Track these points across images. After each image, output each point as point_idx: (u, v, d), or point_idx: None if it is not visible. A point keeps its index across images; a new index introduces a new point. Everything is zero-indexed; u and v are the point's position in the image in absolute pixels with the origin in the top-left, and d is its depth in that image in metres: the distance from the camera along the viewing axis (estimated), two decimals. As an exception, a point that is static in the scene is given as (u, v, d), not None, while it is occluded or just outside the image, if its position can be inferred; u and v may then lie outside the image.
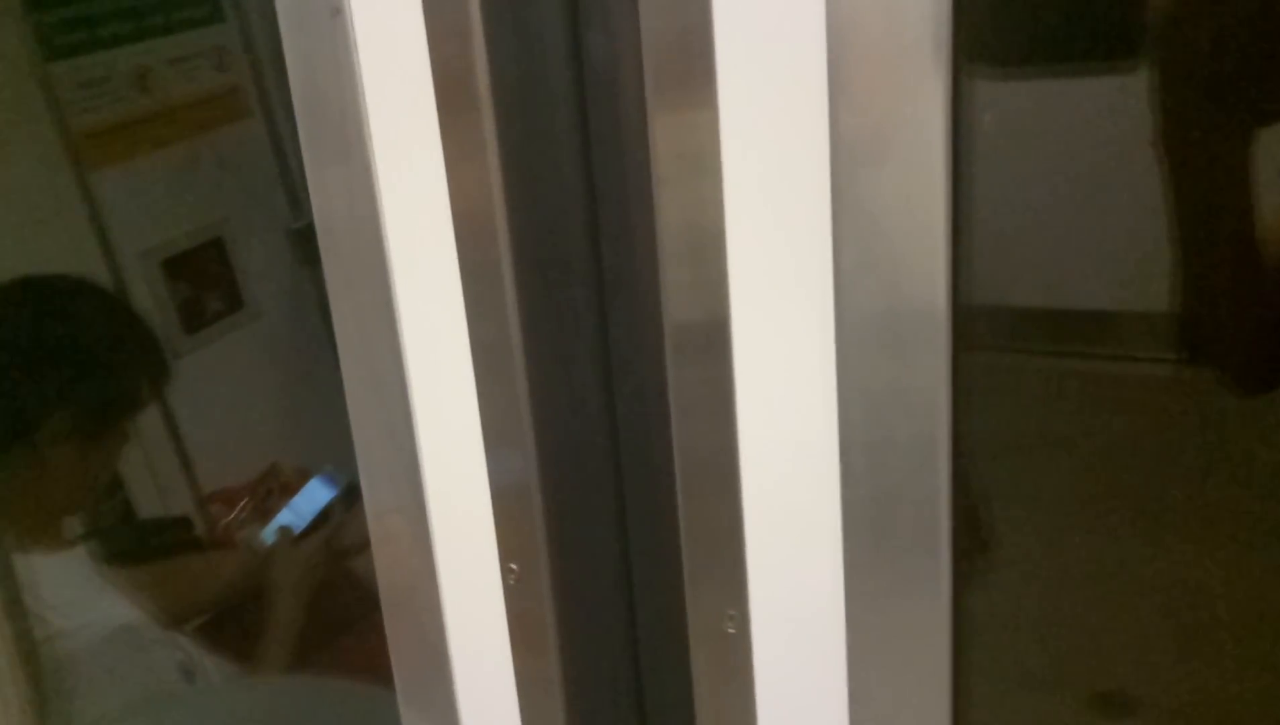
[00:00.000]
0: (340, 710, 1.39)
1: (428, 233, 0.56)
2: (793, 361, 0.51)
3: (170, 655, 1.52)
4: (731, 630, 0.53)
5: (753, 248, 0.50)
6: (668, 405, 0.52)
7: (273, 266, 2.19)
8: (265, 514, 1.96)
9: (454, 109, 0.52)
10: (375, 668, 0.72)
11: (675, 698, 0.56)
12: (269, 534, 1.80)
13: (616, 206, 0.52)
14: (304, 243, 1.95)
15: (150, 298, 2.05)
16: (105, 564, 1.50)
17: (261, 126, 2.26)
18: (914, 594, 0.49)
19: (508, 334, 0.56)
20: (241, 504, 2.06)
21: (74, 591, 1.39)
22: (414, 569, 0.62)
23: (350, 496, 1.76)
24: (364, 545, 0.69)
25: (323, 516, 1.75)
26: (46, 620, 1.33)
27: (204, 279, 2.19)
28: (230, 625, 1.67)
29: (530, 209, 0.53)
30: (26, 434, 1.35)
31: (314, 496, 1.78)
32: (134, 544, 1.90)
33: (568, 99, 0.51)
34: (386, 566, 0.65)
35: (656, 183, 0.49)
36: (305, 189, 0.61)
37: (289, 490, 1.96)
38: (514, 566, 0.57)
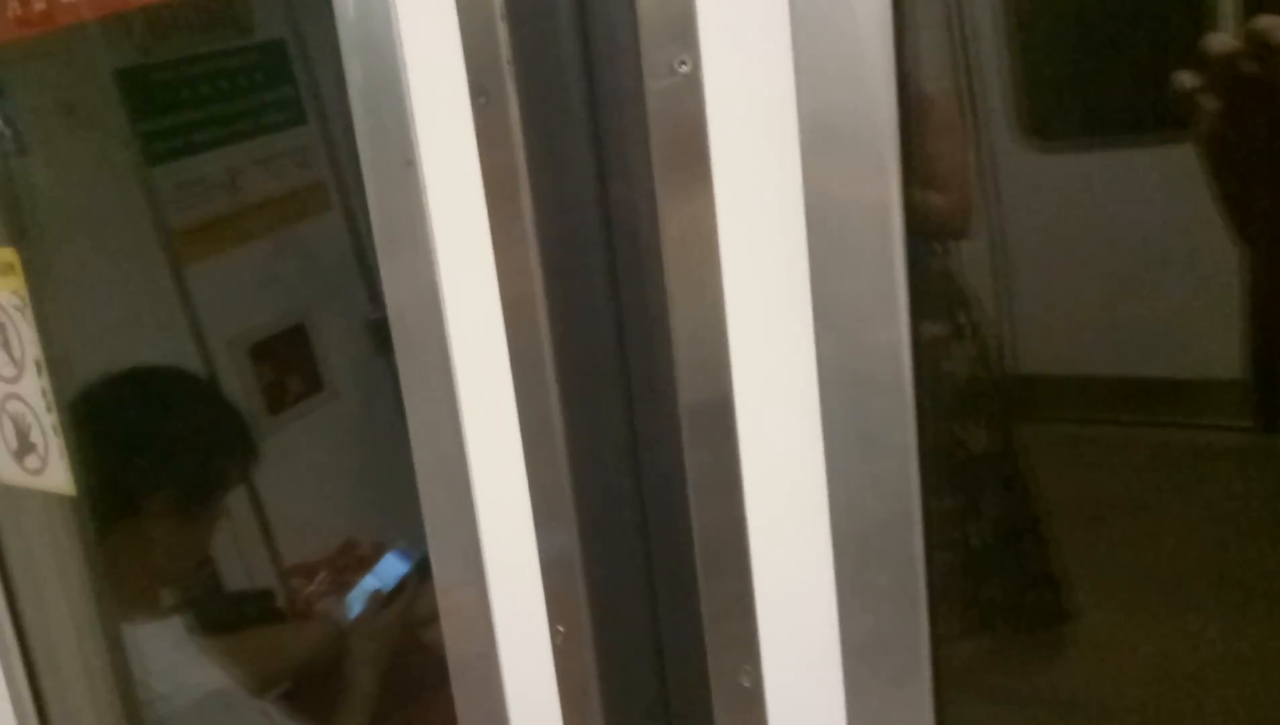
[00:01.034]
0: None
1: (483, 326, 0.66)
2: (788, 441, 0.59)
3: (258, 721, 1.60)
4: (747, 684, 0.62)
5: (750, 332, 0.59)
6: (686, 483, 0.61)
7: (351, 353, 2.31)
8: (342, 588, 2.03)
9: (502, 214, 0.62)
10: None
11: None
12: (356, 599, 1.86)
13: (635, 292, 0.62)
14: (380, 332, 2.06)
15: (237, 381, 2.18)
16: (196, 633, 1.60)
17: (340, 220, 2.39)
18: (898, 646, 0.57)
19: (550, 418, 0.65)
20: (319, 577, 2.16)
21: (171, 658, 1.49)
22: (476, 633, 0.71)
23: (422, 570, 1.82)
24: (434, 617, 0.77)
25: (398, 590, 1.83)
26: (148, 685, 1.43)
27: (287, 364, 2.32)
28: (311, 694, 1.74)
29: (564, 299, 0.63)
30: (132, 511, 1.47)
31: (391, 569, 1.87)
32: (222, 614, 2.01)
33: (592, 200, 0.61)
34: (453, 632, 0.74)
35: (667, 265, 0.59)
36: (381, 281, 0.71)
37: (365, 564, 2.03)
38: (561, 628, 0.66)
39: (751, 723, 0.63)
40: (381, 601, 1.82)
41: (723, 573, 0.62)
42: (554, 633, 0.67)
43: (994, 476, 1.58)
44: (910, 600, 0.57)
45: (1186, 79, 0.74)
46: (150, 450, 1.50)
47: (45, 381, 1.04)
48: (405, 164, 0.62)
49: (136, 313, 2.00)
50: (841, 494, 0.57)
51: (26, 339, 1.03)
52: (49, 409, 1.04)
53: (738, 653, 0.62)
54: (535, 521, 0.68)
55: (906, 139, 0.55)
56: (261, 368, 2.28)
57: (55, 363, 1.28)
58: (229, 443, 1.57)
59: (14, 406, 1.07)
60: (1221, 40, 0.75)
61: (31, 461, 1.08)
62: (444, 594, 0.73)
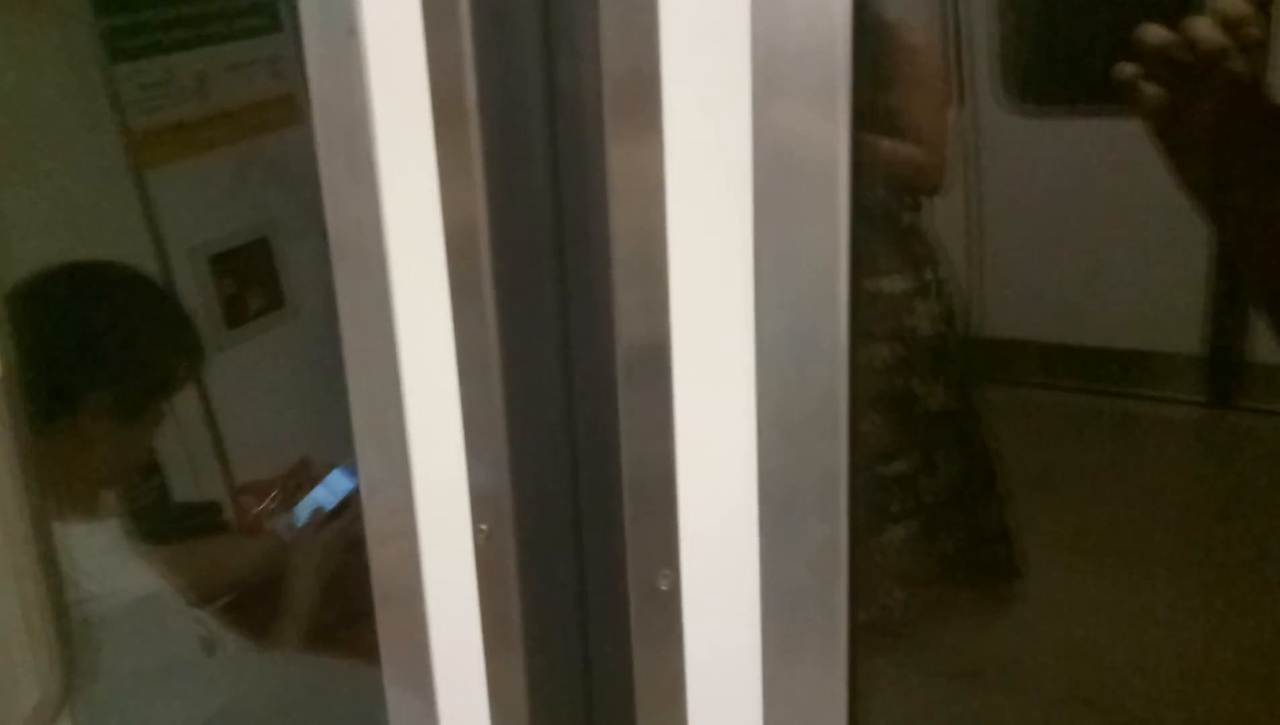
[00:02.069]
0: (340, 689, 1.46)
1: (423, 241, 0.64)
2: (721, 370, 0.59)
3: (193, 629, 1.59)
4: (664, 587, 0.62)
5: (690, 271, 0.58)
6: (617, 406, 0.60)
7: (313, 271, 2.27)
8: (294, 506, 2.02)
9: (448, 123, 0.60)
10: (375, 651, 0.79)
11: (616, 642, 0.64)
12: (300, 513, 1.86)
13: (579, 228, 0.61)
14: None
15: (197, 292, 2.14)
16: (137, 540, 1.58)
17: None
18: (818, 556, 0.57)
19: (487, 347, 0.64)
20: (272, 495, 2.15)
21: (105, 560, 1.47)
22: (399, 532, 0.70)
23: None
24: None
25: (342, 506, 1.82)
26: (78, 584, 1.42)
27: (248, 277, 2.28)
28: (250, 605, 1.74)
29: (508, 230, 0.62)
30: (68, 408, 1.44)
31: (337, 485, 1.86)
32: (166, 524, 1.99)
33: (540, 118, 0.59)
34: (377, 535, 0.73)
35: (612, 199, 0.57)
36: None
37: (318, 483, 2.02)
38: (484, 526, 0.65)
39: (667, 625, 0.63)
40: (324, 517, 1.81)
41: (647, 486, 0.62)
42: (476, 531, 0.66)
43: (950, 434, 1.59)
44: (831, 523, 0.57)
45: (1128, 68, 0.73)
46: (90, 347, 1.47)
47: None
48: (348, 33, 0.60)
49: (94, 212, 1.96)
50: (770, 428, 0.57)
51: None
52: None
53: (657, 556, 0.62)
54: (466, 439, 0.67)
55: (860, 82, 0.54)
56: (222, 279, 2.24)
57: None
58: (172, 344, 1.54)
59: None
60: (1157, 31, 0.74)
61: (-44, 338, 1.05)
62: (369, 495, 0.73)
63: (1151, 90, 0.75)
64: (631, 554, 0.62)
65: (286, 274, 2.36)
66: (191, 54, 2.17)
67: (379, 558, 0.71)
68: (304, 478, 2.11)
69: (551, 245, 0.61)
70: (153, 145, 2.12)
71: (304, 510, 1.83)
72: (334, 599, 1.71)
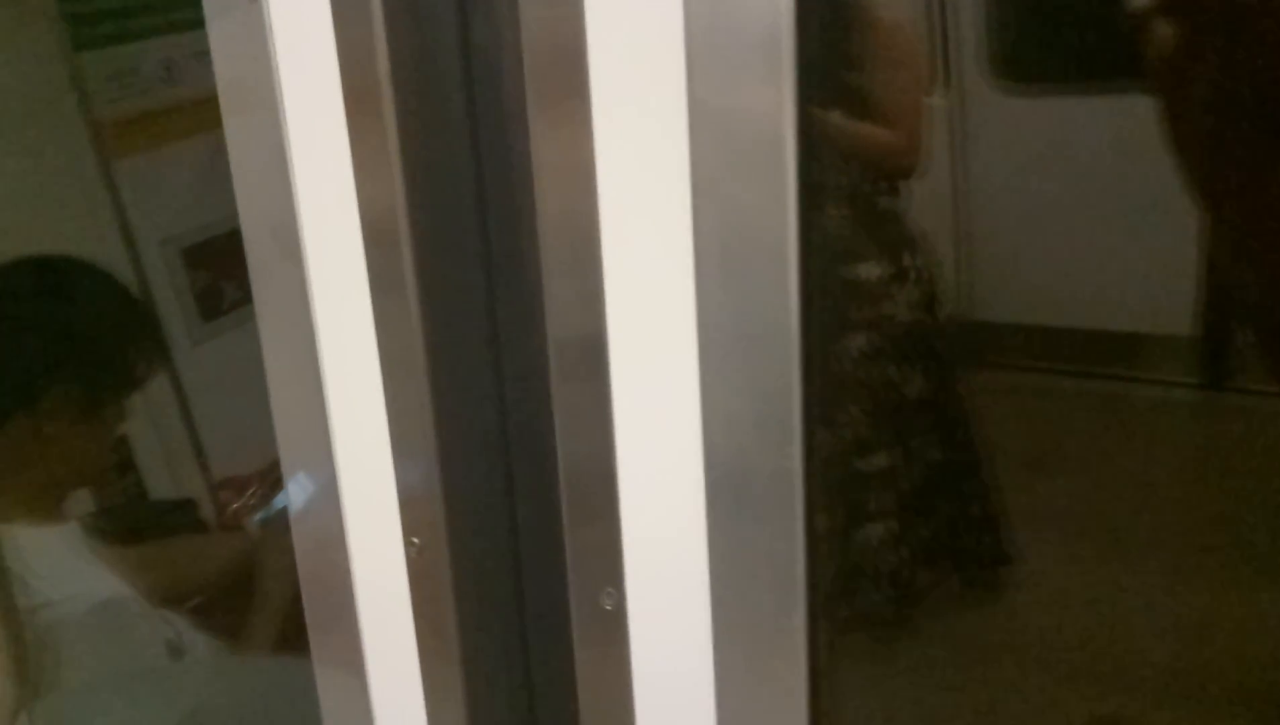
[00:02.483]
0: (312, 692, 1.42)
1: (339, 232, 0.60)
2: (661, 364, 0.54)
3: (158, 631, 1.56)
4: (609, 606, 0.57)
5: (626, 257, 0.53)
6: (552, 407, 0.56)
7: (287, 259, 2.22)
8: (271, 502, 1.99)
9: (360, 100, 0.55)
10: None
11: (559, 664, 0.59)
12: (271, 511, 1.82)
13: (504, 219, 0.56)
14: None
15: (169, 285, 2.10)
16: (102, 541, 1.54)
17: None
18: (773, 567, 0.53)
19: (412, 347, 0.60)
20: (250, 491, 2.11)
21: (63, 563, 1.43)
22: (328, 546, 0.65)
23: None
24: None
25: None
26: (33, 589, 1.37)
27: (222, 268, 2.24)
28: (218, 605, 1.70)
29: (428, 207, 0.57)
30: (25, 406, 1.39)
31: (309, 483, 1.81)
32: (137, 524, 1.95)
33: (458, 91, 0.54)
34: (305, 548, 0.69)
35: (538, 179, 0.52)
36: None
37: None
38: (415, 540, 0.61)
39: (613, 645, 0.58)
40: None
41: (587, 493, 0.57)
42: (408, 544, 0.61)
43: (932, 422, 1.55)
44: (786, 531, 0.52)
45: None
46: (48, 342, 1.42)
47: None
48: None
49: (61, 204, 1.91)
50: (717, 429, 0.52)
51: None
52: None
53: (600, 574, 0.57)
54: (393, 445, 0.63)
55: (807, 50, 0.48)
56: (195, 272, 2.20)
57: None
58: (133, 340, 1.49)
59: None
60: None
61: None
62: (296, 513, 0.68)
63: (1165, 34, 0.69)
64: (573, 571, 0.57)
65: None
66: (157, 41, 2.12)
67: (309, 572, 0.67)
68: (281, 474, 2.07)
69: (475, 231, 0.57)
70: (120, 135, 2.07)
71: (274, 509, 1.79)
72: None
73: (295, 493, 0.66)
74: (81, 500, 1.54)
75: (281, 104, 0.58)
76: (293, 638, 1.61)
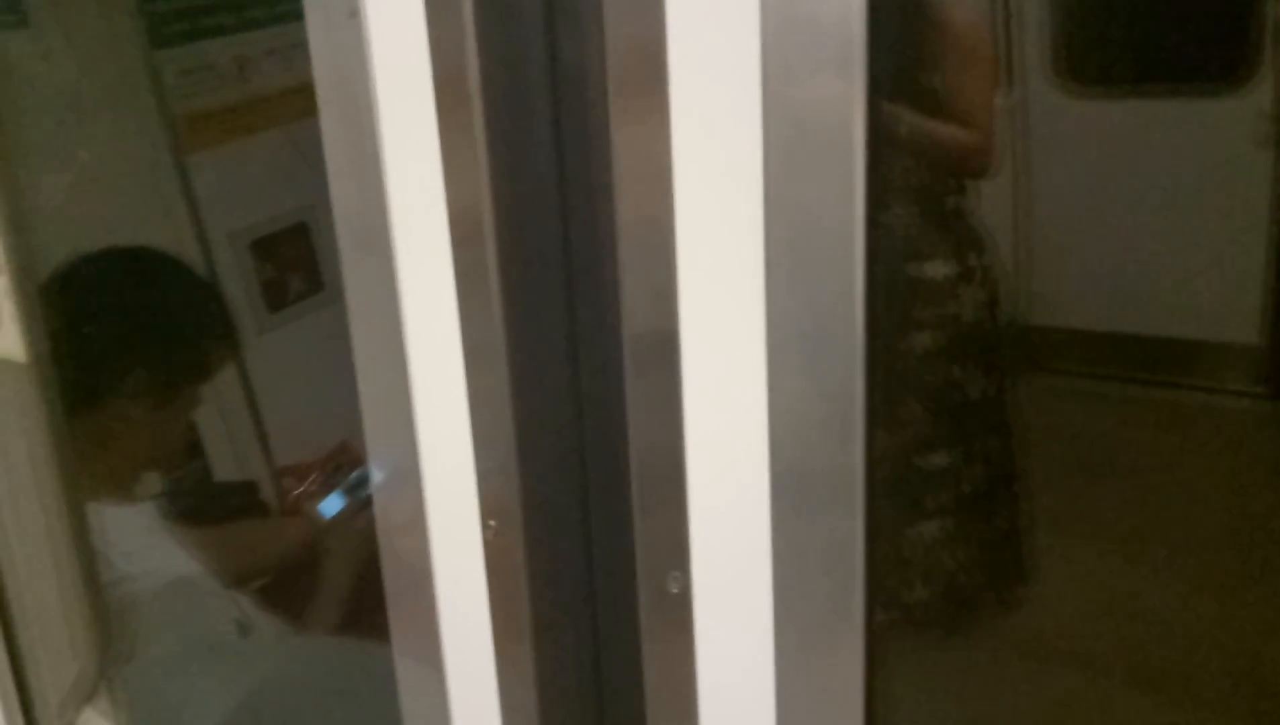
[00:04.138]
0: (372, 671, 1.46)
1: (428, 228, 0.63)
2: (731, 360, 0.56)
3: (227, 610, 1.61)
4: (675, 590, 0.60)
5: (699, 256, 0.56)
6: (625, 398, 0.58)
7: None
8: (333, 490, 2.03)
9: (451, 105, 0.58)
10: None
11: (626, 644, 0.62)
12: (338, 497, 1.86)
13: (585, 203, 0.59)
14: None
15: (237, 276, 2.16)
16: (174, 521, 1.59)
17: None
18: (833, 555, 0.55)
19: (493, 339, 0.63)
20: (312, 478, 2.16)
21: (140, 541, 1.48)
22: (409, 525, 0.69)
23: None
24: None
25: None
26: (115, 565, 1.43)
27: (288, 262, 2.29)
28: (285, 588, 1.75)
29: (512, 206, 0.60)
30: (110, 390, 1.45)
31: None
32: (206, 506, 2.01)
33: (544, 98, 0.57)
34: (387, 528, 0.72)
35: (618, 181, 0.55)
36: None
37: (358, 467, 2.02)
38: (492, 523, 0.64)
39: (678, 627, 0.61)
40: (364, 501, 1.81)
41: (656, 482, 0.60)
42: (485, 527, 0.65)
43: (994, 424, 1.55)
44: (846, 524, 0.54)
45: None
46: (126, 331, 1.48)
47: (-2, 241, 1.01)
48: (350, 13, 0.58)
49: (137, 198, 1.98)
50: (782, 423, 0.55)
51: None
52: (1, 270, 1.01)
53: (667, 557, 0.60)
54: (473, 432, 0.66)
55: (878, 54, 0.50)
56: (262, 263, 2.26)
57: (24, 230, 1.25)
58: (208, 329, 1.55)
59: (-34, 267, 1.04)
60: None
61: (-17, 324, 1.06)
62: (380, 495, 0.72)
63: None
64: (641, 555, 0.60)
65: (325, 259, 2.36)
66: (231, 39, 2.18)
67: (390, 551, 0.70)
68: (343, 461, 2.12)
69: (557, 230, 0.60)
70: (194, 131, 2.13)
71: (340, 494, 1.84)
72: (368, 583, 1.71)
73: (379, 475, 0.70)
74: (155, 482, 1.60)
75: (376, 107, 0.61)
76: (356, 619, 1.66)
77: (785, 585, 0.58)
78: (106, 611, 1.39)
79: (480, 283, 0.61)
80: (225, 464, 2.15)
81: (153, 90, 2.04)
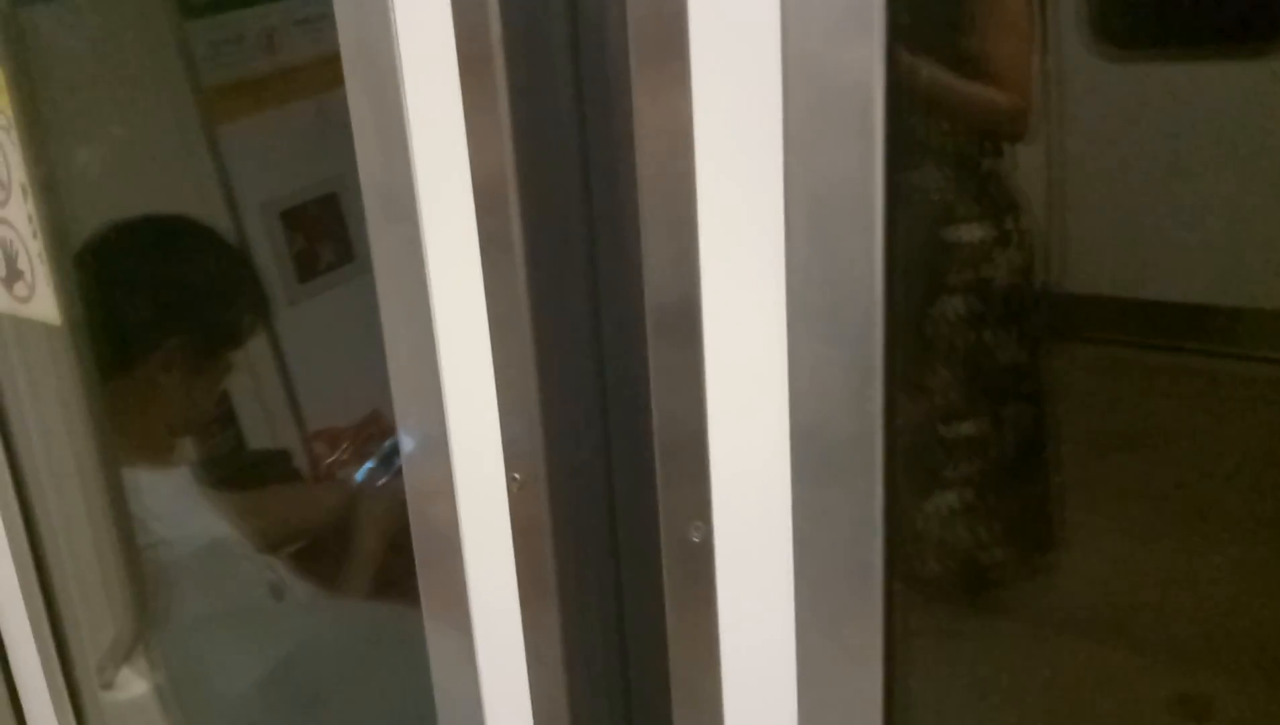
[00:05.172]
0: (405, 634, 1.48)
1: (452, 193, 0.63)
2: (752, 323, 0.57)
3: (261, 574, 1.63)
4: (696, 539, 0.61)
5: (720, 219, 0.56)
6: (647, 358, 0.59)
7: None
8: (364, 458, 2.05)
9: (474, 67, 0.59)
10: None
11: (649, 592, 0.64)
12: (371, 464, 1.88)
13: (606, 166, 0.59)
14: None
15: (268, 246, 2.17)
16: (208, 486, 1.62)
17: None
18: (852, 511, 0.55)
19: (518, 307, 0.64)
20: (344, 446, 2.18)
21: (175, 505, 1.51)
22: (437, 481, 0.70)
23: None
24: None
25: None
26: (150, 528, 1.46)
27: (318, 232, 2.31)
28: (318, 553, 1.77)
29: (535, 171, 0.61)
30: (144, 357, 1.47)
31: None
32: (240, 472, 2.04)
33: (565, 58, 0.58)
34: (415, 486, 0.73)
35: (639, 144, 0.55)
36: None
37: (389, 436, 2.04)
38: (517, 475, 0.65)
39: (700, 576, 0.62)
40: (396, 469, 1.83)
41: (678, 432, 0.60)
42: (510, 479, 0.66)
43: (1018, 389, 1.54)
44: (866, 487, 0.55)
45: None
46: (159, 299, 1.50)
47: (31, 207, 1.03)
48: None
49: (169, 167, 1.99)
50: (802, 385, 0.55)
51: (13, 161, 1.01)
52: (35, 235, 1.03)
53: (689, 507, 0.61)
54: (498, 392, 0.67)
55: (897, 13, 0.50)
56: (293, 233, 2.27)
57: (56, 195, 1.26)
58: (240, 297, 1.56)
59: (2, 231, 1.06)
60: None
61: (20, 288, 1.08)
62: (408, 453, 0.73)
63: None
64: (664, 505, 0.61)
65: (355, 228, 2.38)
66: (260, 10, 2.18)
67: (418, 508, 0.71)
68: (374, 430, 2.14)
69: (579, 194, 0.60)
70: (224, 101, 2.14)
71: (375, 462, 1.86)
72: (399, 548, 1.74)
73: (407, 440, 0.71)
74: (189, 448, 1.62)
75: (401, 74, 0.62)
76: (387, 584, 1.68)
77: (804, 536, 0.59)
78: (143, 574, 1.42)
79: (504, 248, 0.62)
80: (258, 431, 2.18)
81: (183, 61, 2.05)
